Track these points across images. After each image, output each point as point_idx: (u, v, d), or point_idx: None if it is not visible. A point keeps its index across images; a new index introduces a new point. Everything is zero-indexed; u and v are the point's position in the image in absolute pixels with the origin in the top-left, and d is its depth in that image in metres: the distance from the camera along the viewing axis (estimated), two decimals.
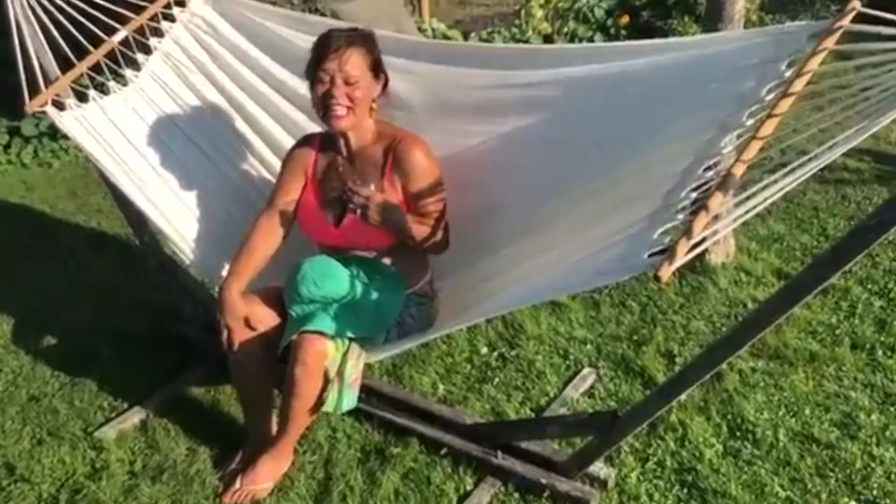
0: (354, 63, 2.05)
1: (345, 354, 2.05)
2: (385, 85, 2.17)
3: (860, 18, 1.57)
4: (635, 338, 2.80)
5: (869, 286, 3.00)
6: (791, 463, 2.19)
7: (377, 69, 2.13)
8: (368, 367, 2.19)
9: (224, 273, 2.36)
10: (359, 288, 2.10)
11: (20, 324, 3.14)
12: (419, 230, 2.13)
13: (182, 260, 2.51)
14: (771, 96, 1.60)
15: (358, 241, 2.17)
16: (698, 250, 1.41)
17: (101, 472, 2.32)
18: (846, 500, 2.07)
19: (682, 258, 1.40)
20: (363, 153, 2.18)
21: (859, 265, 3.12)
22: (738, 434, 2.31)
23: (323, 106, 2.08)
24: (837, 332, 2.75)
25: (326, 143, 2.26)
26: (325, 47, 2.05)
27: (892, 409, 2.38)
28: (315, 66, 2.07)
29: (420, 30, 6.36)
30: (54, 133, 5.06)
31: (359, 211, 2.01)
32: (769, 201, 1.38)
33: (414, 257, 2.23)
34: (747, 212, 1.37)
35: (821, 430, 2.30)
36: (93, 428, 2.51)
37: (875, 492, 2.08)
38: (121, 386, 2.69)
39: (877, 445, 2.24)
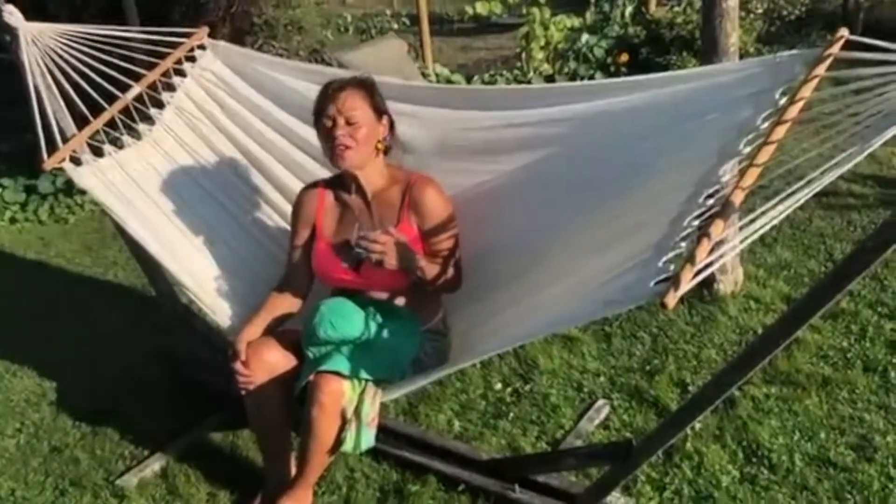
0: (354, 104, 2.12)
1: (361, 394, 2.07)
2: (392, 127, 2.24)
3: (850, 46, 1.62)
4: (648, 368, 2.82)
5: (879, 309, 3.02)
6: (808, 487, 2.20)
7: (379, 110, 2.19)
8: (384, 406, 2.22)
9: (240, 318, 2.42)
10: (375, 329, 2.13)
11: (40, 376, 3.19)
12: (434, 270, 2.17)
13: (199, 308, 2.55)
14: (766, 124, 1.64)
15: (373, 283, 2.21)
16: (702, 276, 1.44)
17: None
18: None
19: (686, 285, 1.43)
20: (378, 196, 2.23)
21: (868, 289, 3.15)
22: (755, 460, 2.32)
23: (328, 147, 2.15)
24: (849, 355, 2.76)
25: (335, 188, 2.31)
26: (326, 92, 2.14)
27: None
28: (319, 112, 2.15)
29: (424, 75, 6.48)
30: (69, 189, 5.17)
31: (374, 258, 2.04)
32: (770, 225, 1.42)
33: (428, 295, 2.27)
34: (749, 236, 1.41)
35: (837, 454, 2.31)
36: (114, 476, 2.54)
37: None
38: (141, 434, 2.73)
39: (894, 467, 2.24)
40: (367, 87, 2.17)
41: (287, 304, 2.31)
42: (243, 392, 2.19)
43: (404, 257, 2.08)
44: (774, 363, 2.71)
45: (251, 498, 2.34)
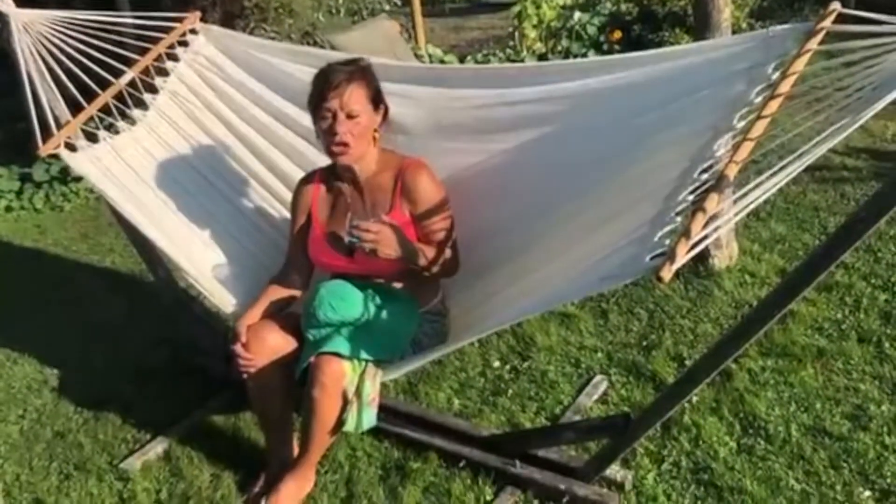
0: (355, 98, 2.11)
1: (362, 374, 2.10)
2: (385, 114, 2.24)
3: (842, 19, 1.63)
4: (645, 343, 2.85)
5: (872, 280, 3.05)
6: (805, 456, 2.23)
7: (377, 100, 2.19)
8: (384, 386, 2.24)
9: (239, 302, 2.43)
10: (374, 311, 2.14)
11: (41, 363, 3.20)
12: (429, 256, 2.18)
13: (198, 292, 2.56)
14: (760, 98, 1.66)
15: (370, 268, 2.22)
16: (697, 249, 1.46)
17: (129, 503, 2.37)
18: (860, 489, 2.10)
19: (682, 258, 1.45)
20: (371, 182, 2.24)
21: (862, 261, 3.17)
22: (751, 431, 2.35)
23: (327, 141, 2.15)
24: (844, 327, 2.79)
25: (329, 175, 2.32)
26: (327, 83, 2.11)
27: None
28: (317, 101, 2.13)
29: (417, 56, 6.47)
30: (64, 177, 5.18)
31: (367, 247, 2.04)
32: (764, 198, 1.43)
33: (426, 277, 2.28)
34: (743, 210, 1.43)
35: (832, 424, 2.34)
36: (118, 460, 2.56)
37: (889, 480, 2.11)
38: (143, 418, 2.75)
39: (888, 435, 2.27)
40: (366, 77, 2.16)
41: (287, 289, 2.33)
42: (244, 375, 2.20)
43: (398, 245, 2.08)
44: (770, 336, 2.74)
45: (254, 479, 2.36)
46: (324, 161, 2.41)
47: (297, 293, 2.35)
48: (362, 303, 2.14)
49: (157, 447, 2.58)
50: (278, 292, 2.32)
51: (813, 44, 1.63)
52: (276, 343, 2.21)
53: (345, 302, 2.12)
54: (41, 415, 2.87)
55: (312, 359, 2.06)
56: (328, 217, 2.29)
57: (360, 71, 2.16)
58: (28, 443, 2.72)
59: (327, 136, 2.14)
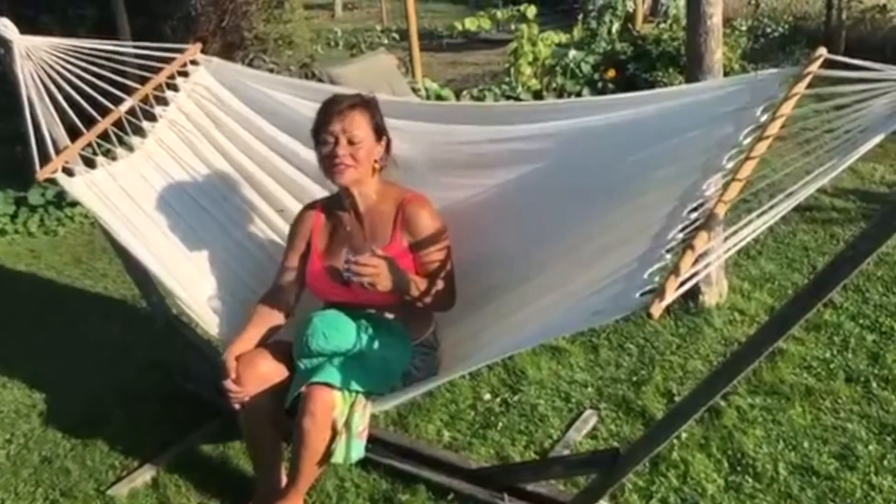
0: (357, 124, 2.15)
1: (352, 405, 2.09)
2: (388, 146, 2.27)
3: (830, 64, 1.68)
4: (635, 379, 2.86)
5: (860, 321, 3.07)
6: (792, 495, 2.23)
7: (380, 131, 2.23)
8: (374, 416, 2.24)
9: (230, 329, 2.44)
10: (367, 342, 2.15)
11: (30, 387, 3.18)
12: (425, 289, 2.20)
13: (189, 318, 2.56)
14: (748, 140, 1.69)
15: (366, 298, 2.22)
16: (686, 287, 1.48)
17: None
18: None
19: (671, 295, 1.47)
20: (371, 213, 2.26)
21: (850, 301, 3.20)
22: (739, 469, 2.35)
23: (326, 164, 2.18)
24: (832, 366, 2.81)
25: (331, 206, 2.35)
26: (331, 110, 2.16)
27: (888, 438, 2.43)
28: (320, 127, 2.18)
29: (414, 90, 6.53)
30: (60, 202, 5.18)
31: (365, 282, 2.06)
32: (753, 236, 1.46)
33: (419, 309, 2.29)
34: (732, 248, 1.46)
35: (820, 462, 2.35)
36: (105, 486, 2.54)
37: None
38: (131, 444, 2.74)
39: (875, 475, 2.28)
40: (370, 107, 2.21)
41: (275, 316, 2.32)
42: (236, 405, 2.20)
43: (396, 279, 2.10)
44: (759, 374, 2.75)
45: None
46: (320, 192, 2.44)
47: (282, 317, 2.32)
48: (355, 333, 2.15)
49: (145, 474, 2.56)
50: (266, 317, 2.29)
51: (800, 88, 1.68)
52: (267, 371, 2.20)
53: (338, 332, 2.13)
54: (28, 440, 2.85)
55: (303, 388, 2.06)
56: (327, 246, 2.31)
57: (364, 101, 2.21)
58: (14, 468, 2.70)
59: (328, 160, 2.17)
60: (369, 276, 2.04)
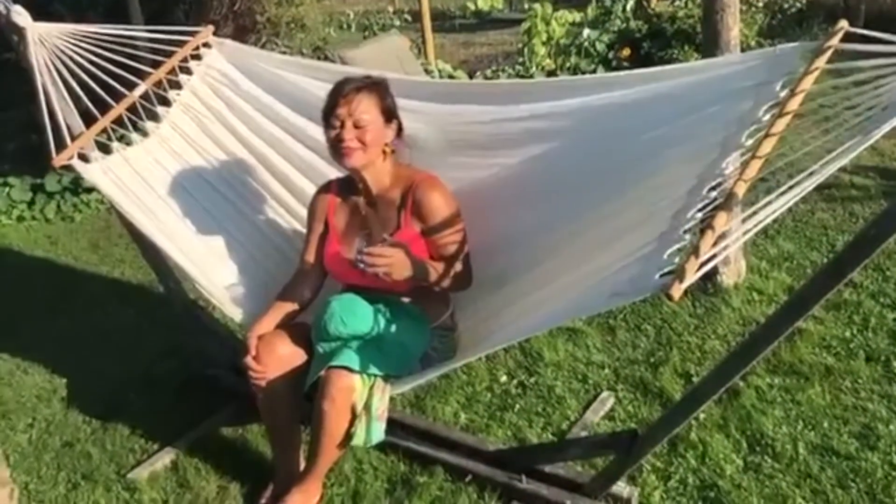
0: (364, 108, 2.13)
1: (371, 388, 2.10)
2: (400, 129, 2.25)
3: (850, 38, 1.64)
4: (652, 360, 2.85)
5: (881, 299, 3.04)
6: (812, 475, 2.22)
7: (389, 114, 2.20)
8: (392, 399, 2.24)
9: (249, 312, 2.44)
10: (385, 325, 2.15)
11: (51, 373, 3.22)
12: (441, 271, 2.19)
13: (207, 302, 2.57)
14: (768, 116, 1.66)
15: (381, 284, 2.21)
16: (707, 268, 1.46)
17: None
18: None
19: (691, 277, 1.45)
20: (383, 197, 2.25)
21: (870, 279, 3.17)
22: (758, 449, 2.34)
23: (334, 148, 2.17)
24: (852, 345, 2.79)
25: (345, 187, 2.34)
26: (338, 94, 2.14)
27: None
28: (328, 111, 2.16)
29: (426, 71, 6.50)
30: (76, 188, 5.21)
31: (380, 272, 2.04)
32: (773, 217, 1.44)
33: (437, 292, 2.29)
34: (752, 228, 1.43)
35: (840, 442, 2.34)
36: (125, 470, 2.57)
37: None
38: (151, 428, 2.76)
39: None
40: (379, 90, 2.18)
41: (298, 300, 2.34)
42: (255, 387, 2.21)
43: (410, 266, 2.09)
44: (778, 353, 2.74)
45: (261, 490, 2.37)
46: (334, 174, 2.43)
47: (307, 300, 2.35)
48: (373, 317, 2.14)
49: (165, 458, 2.59)
50: (288, 302, 2.32)
51: (821, 62, 1.64)
52: (286, 354, 2.22)
53: (356, 316, 2.13)
54: (50, 424, 2.88)
55: (323, 372, 2.06)
56: (344, 229, 2.31)
57: (372, 83, 2.18)
58: (36, 452, 2.73)
59: (335, 143, 2.15)
60: (382, 266, 2.04)
